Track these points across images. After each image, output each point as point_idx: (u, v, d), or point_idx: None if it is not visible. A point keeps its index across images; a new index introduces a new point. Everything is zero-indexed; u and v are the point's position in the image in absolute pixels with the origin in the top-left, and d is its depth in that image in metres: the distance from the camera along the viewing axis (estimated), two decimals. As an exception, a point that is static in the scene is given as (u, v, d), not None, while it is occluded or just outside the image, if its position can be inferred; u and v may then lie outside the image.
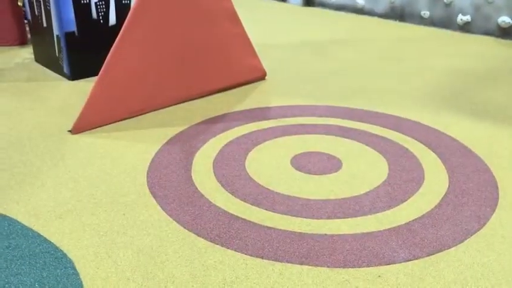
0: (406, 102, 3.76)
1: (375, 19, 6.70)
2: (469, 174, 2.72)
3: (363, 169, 2.78)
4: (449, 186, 2.60)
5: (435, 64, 4.74)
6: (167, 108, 3.60)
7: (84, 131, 3.23)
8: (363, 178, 2.68)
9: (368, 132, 3.24)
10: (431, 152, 2.97)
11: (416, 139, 3.14)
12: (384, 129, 3.29)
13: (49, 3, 4.16)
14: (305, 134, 3.21)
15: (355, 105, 3.70)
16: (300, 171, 2.76)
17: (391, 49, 5.28)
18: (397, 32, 6.03)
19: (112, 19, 4.35)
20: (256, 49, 4.16)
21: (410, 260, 2.04)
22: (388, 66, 4.69)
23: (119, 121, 3.38)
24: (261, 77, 4.24)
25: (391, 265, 2.02)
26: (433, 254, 2.08)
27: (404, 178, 2.68)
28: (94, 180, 2.65)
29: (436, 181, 2.65)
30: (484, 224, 2.28)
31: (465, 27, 5.86)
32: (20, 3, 5.00)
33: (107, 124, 3.33)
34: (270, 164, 2.83)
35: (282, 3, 7.83)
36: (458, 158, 2.90)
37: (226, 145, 3.05)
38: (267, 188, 2.58)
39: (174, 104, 3.66)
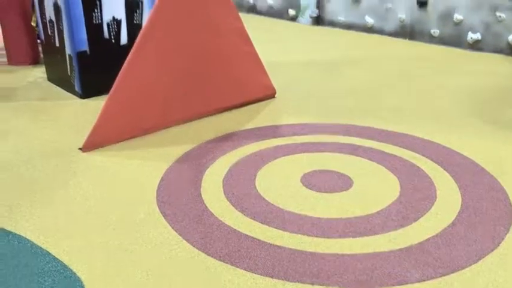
0: (417, 121, 3.74)
1: (385, 38, 6.71)
2: (482, 193, 2.68)
3: (374, 187, 2.75)
4: (462, 205, 2.57)
5: (446, 82, 4.72)
6: (177, 126, 3.61)
7: (95, 148, 3.24)
8: (374, 197, 2.65)
9: (379, 150, 3.22)
10: (444, 171, 2.94)
11: (428, 157, 3.11)
12: (395, 147, 3.26)
13: (62, 23, 4.23)
14: (315, 152, 3.20)
15: (365, 123, 3.68)
16: (311, 189, 2.74)
17: (402, 67, 5.27)
18: (407, 51, 6.03)
19: (124, 39, 4.40)
20: (267, 68, 4.18)
21: (424, 281, 2.00)
22: (398, 84, 4.68)
23: (129, 139, 3.39)
24: (271, 95, 4.25)
25: (404, 285, 1.98)
26: (447, 274, 2.04)
27: (416, 197, 2.65)
28: (104, 199, 2.65)
29: (448, 200, 2.62)
30: (499, 243, 2.24)
31: (475, 46, 5.84)
32: (33, 24, 5.09)
33: (117, 142, 3.34)
34: (280, 182, 2.81)
35: (292, 23, 7.89)
36: (470, 176, 2.86)
37: (236, 163, 3.05)
38: (277, 207, 2.56)
39: (184, 122, 3.67)
